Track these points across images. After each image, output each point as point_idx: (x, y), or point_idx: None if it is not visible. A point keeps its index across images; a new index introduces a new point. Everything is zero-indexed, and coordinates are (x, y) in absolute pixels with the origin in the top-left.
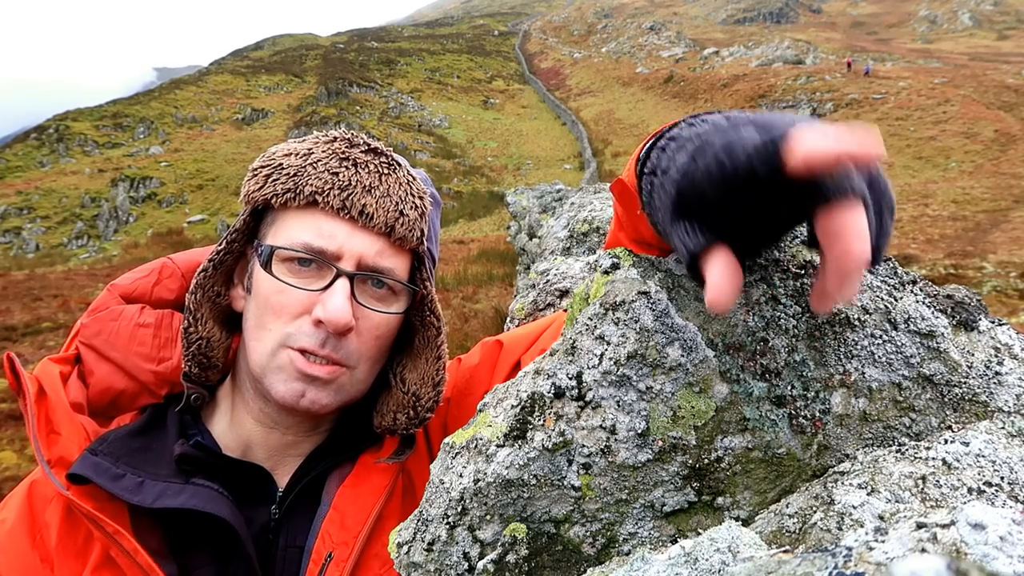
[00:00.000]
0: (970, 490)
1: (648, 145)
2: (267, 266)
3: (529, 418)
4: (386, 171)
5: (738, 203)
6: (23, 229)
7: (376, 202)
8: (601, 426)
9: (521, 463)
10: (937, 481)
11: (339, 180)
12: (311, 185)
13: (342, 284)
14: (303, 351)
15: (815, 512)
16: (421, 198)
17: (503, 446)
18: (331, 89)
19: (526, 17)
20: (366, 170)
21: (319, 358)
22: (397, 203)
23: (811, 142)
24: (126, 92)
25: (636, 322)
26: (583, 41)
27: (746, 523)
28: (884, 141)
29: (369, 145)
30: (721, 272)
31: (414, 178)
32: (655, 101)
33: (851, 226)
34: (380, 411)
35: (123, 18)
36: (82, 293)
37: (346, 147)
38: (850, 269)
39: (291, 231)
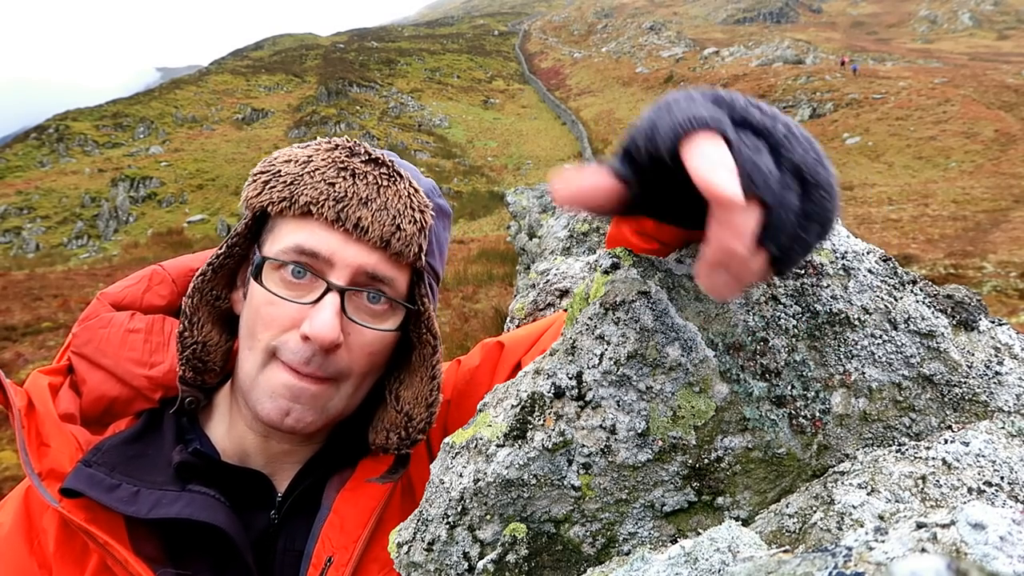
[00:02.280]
0: (970, 490)
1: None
2: (258, 277)
3: (529, 418)
4: (385, 183)
5: (658, 172)
6: (23, 229)
7: (372, 215)
8: (601, 426)
9: (521, 463)
10: (937, 481)
11: (335, 191)
12: (306, 195)
13: (331, 299)
14: (290, 367)
15: (815, 512)
16: (422, 211)
17: (503, 446)
18: (331, 89)
19: (526, 17)
20: (364, 181)
21: (305, 375)
22: (395, 217)
23: (699, 166)
24: (127, 92)
25: (636, 322)
26: (583, 41)
27: (746, 523)
28: (884, 141)
29: (370, 155)
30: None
31: (416, 190)
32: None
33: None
34: (375, 427)
35: (123, 18)
36: (82, 293)
37: (346, 156)
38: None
39: (285, 239)
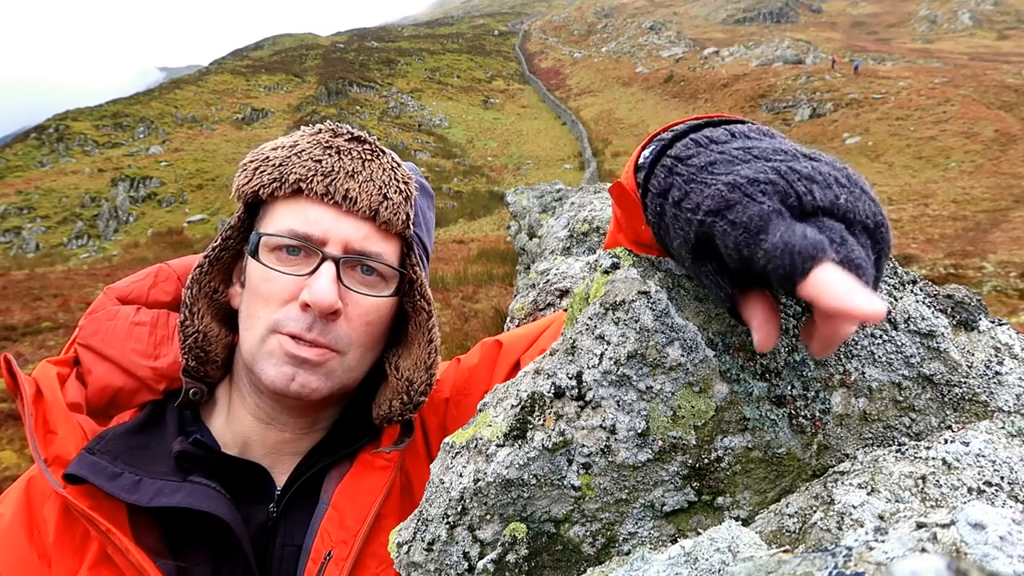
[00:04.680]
0: (970, 490)
1: (652, 155)
2: (255, 254)
3: (529, 418)
4: (369, 157)
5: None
6: (23, 229)
7: (359, 186)
8: (601, 426)
9: (521, 463)
10: (937, 481)
11: (322, 167)
12: (295, 173)
13: (327, 267)
14: (291, 336)
15: (815, 512)
16: (406, 183)
17: (503, 446)
18: (331, 89)
19: (526, 17)
20: (348, 157)
21: (307, 342)
22: (381, 187)
23: (831, 296)
24: (127, 92)
25: (636, 322)
26: (583, 41)
27: (746, 523)
28: (884, 141)
29: (352, 134)
30: (762, 319)
31: (399, 164)
32: (655, 101)
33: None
34: (377, 402)
35: (124, 18)
36: (82, 293)
37: (330, 137)
38: (839, 332)
39: (278, 220)
